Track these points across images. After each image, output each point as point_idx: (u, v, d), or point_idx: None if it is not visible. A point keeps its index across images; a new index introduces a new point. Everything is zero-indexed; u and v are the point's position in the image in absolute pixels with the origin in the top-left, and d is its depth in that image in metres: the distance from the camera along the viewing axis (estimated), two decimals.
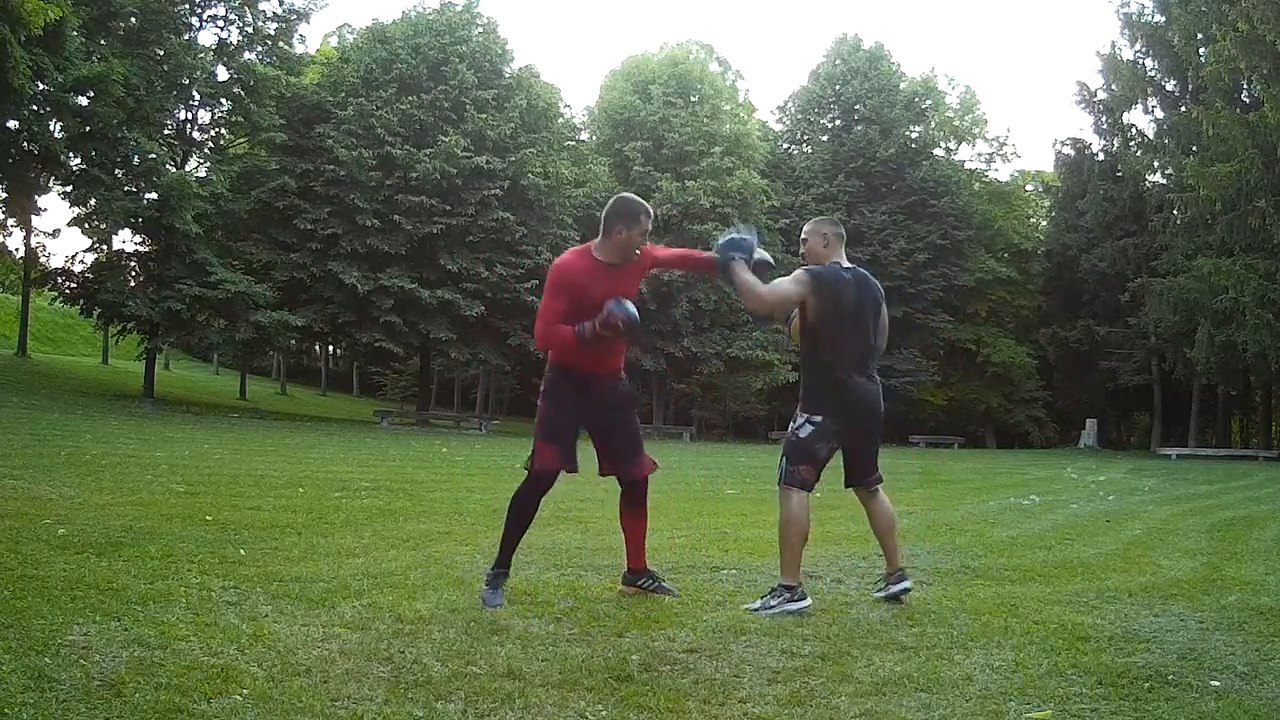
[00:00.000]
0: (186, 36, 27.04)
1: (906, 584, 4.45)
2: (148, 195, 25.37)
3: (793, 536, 4.24)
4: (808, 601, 4.16)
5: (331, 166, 27.69)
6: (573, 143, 36.11)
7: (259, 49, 28.63)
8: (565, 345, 4.15)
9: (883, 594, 4.48)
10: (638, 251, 4.26)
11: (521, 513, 4.24)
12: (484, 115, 29.20)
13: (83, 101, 23.61)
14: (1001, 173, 45.31)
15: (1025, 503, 10.79)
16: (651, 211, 4.34)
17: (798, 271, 4.35)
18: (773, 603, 4.11)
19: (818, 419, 4.30)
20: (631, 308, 4.09)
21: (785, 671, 3.18)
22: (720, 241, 4.40)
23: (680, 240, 33.40)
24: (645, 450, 4.44)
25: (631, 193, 4.68)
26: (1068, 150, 38.18)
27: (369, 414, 32.75)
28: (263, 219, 28.27)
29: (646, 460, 4.42)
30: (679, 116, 34.87)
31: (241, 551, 4.87)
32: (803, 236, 4.57)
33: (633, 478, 4.39)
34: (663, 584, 4.45)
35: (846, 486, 4.56)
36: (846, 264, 4.44)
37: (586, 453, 4.33)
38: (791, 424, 4.44)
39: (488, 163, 28.35)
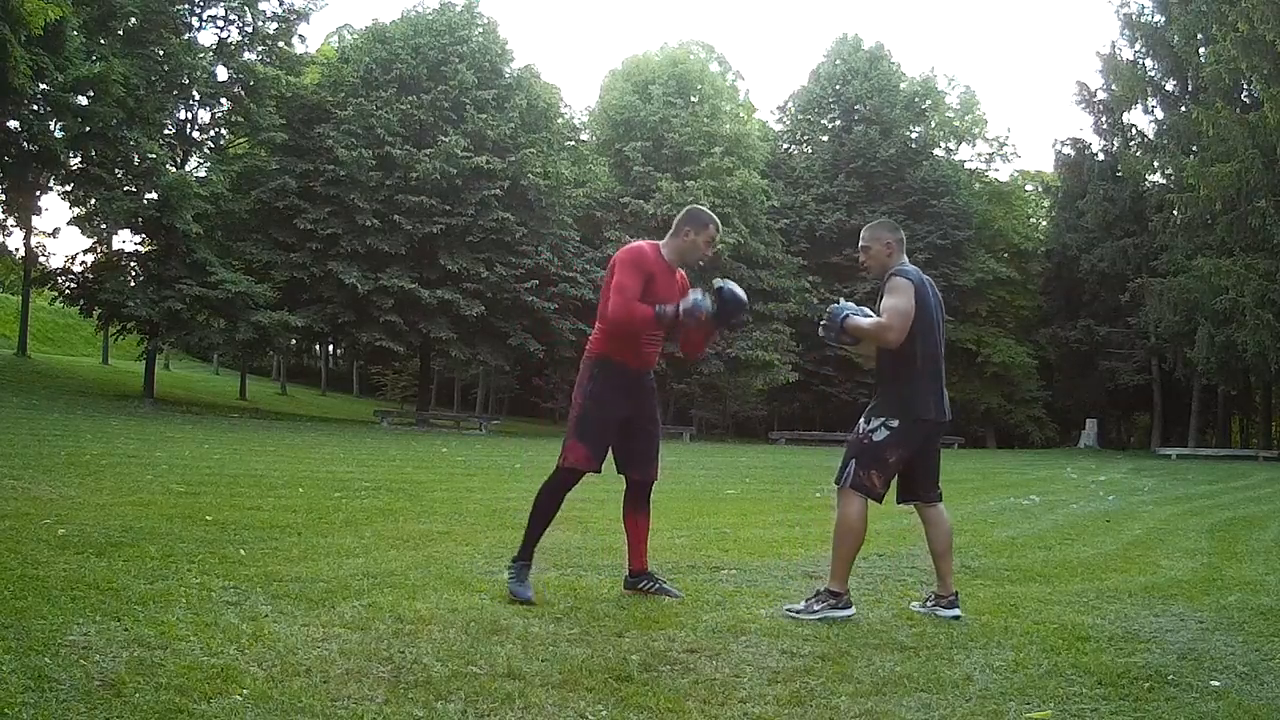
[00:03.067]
0: (186, 36, 27.02)
1: (958, 612, 4.19)
2: (148, 195, 25.36)
3: (848, 543, 4.12)
4: (852, 610, 4.05)
5: (331, 166, 27.70)
6: (573, 143, 36.10)
7: (259, 49, 28.61)
8: (642, 323, 4.14)
9: (922, 610, 4.28)
10: (701, 260, 4.39)
11: (546, 507, 4.29)
12: (484, 115, 29.20)
13: (83, 101, 23.58)
14: (1001, 173, 45.33)
15: (1025, 503, 10.79)
16: (720, 227, 4.44)
17: (896, 280, 4.14)
18: (816, 607, 4.01)
19: (894, 424, 4.13)
20: (710, 304, 4.15)
21: (785, 671, 3.18)
22: (832, 310, 4.33)
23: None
24: (658, 457, 4.46)
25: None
26: (1068, 150, 38.18)
27: (369, 414, 32.73)
28: (263, 219, 28.27)
29: (656, 466, 4.45)
30: (679, 116, 34.86)
31: (241, 551, 4.87)
32: (863, 244, 4.39)
33: (647, 479, 4.41)
34: (664, 585, 4.43)
35: (901, 502, 4.39)
36: (911, 266, 4.29)
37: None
38: (862, 426, 4.21)
39: (488, 163, 28.36)
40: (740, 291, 4.29)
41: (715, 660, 3.29)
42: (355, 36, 35.59)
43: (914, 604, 4.43)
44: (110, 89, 22.98)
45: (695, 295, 4.14)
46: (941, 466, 4.47)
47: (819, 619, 3.93)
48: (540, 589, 4.32)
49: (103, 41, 24.65)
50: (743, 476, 14.20)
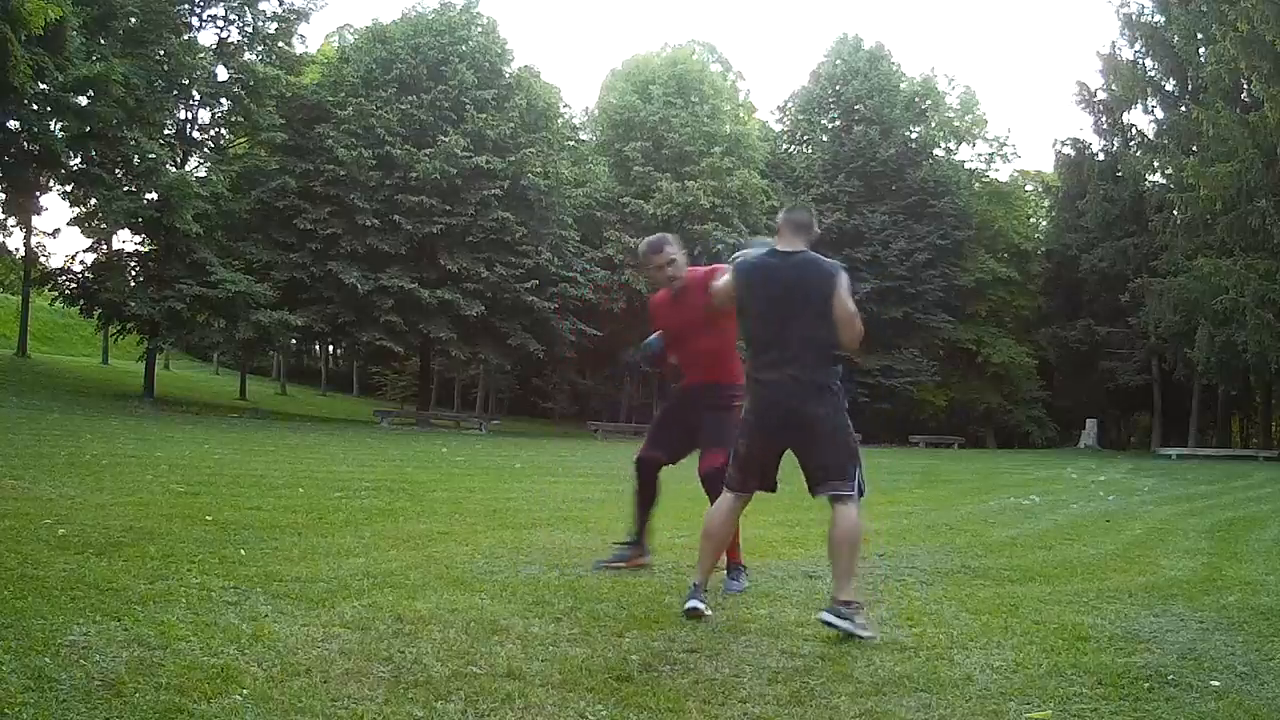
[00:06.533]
0: (186, 36, 27.00)
1: (829, 618, 3.65)
2: (148, 195, 25.33)
3: (704, 537, 4.10)
4: (700, 604, 3.92)
5: (331, 166, 27.68)
6: (573, 143, 36.08)
7: (259, 49, 28.60)
8: (647, 359, 5.26)
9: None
10: (676, 280, 4.94)
11: (640, 492, 5.16)
12: (484, 115, 29.19)
13: (83, 101, 23.56)
14: (1001, 173, 45.22)
15: (1025, 503, 10.78)
16: (659, 245, 5.00)
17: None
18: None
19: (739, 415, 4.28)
20: (650, 349, 5.15)
21: (785, 671, 3.18)
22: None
23: (681, 240, 33.44)
24: (717, 450, 4.62)
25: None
26: (1068, 150, 38.13)
27: (369, 414, 32.70)
28: (263, 219, 28.26)
29: (714, 457, 4.65)
30: (679, 117, 34.85)
31: (241, 551, 4.87)
32: None
33: (700, 471, 4.83)
34: (614, 558, 5.15)
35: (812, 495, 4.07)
36: (789, 249, 4.02)
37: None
38: None
39: (488, 163, 28.35)
40: (646, 352, 5.18)
41: (715, 660, 3.29)
42: (355, 36, 35.58)
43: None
44: (110, 89, 22.96)
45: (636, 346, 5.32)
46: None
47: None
48: (540, 589, 4.32)
49: (103, 41, 24.62)
50: None
